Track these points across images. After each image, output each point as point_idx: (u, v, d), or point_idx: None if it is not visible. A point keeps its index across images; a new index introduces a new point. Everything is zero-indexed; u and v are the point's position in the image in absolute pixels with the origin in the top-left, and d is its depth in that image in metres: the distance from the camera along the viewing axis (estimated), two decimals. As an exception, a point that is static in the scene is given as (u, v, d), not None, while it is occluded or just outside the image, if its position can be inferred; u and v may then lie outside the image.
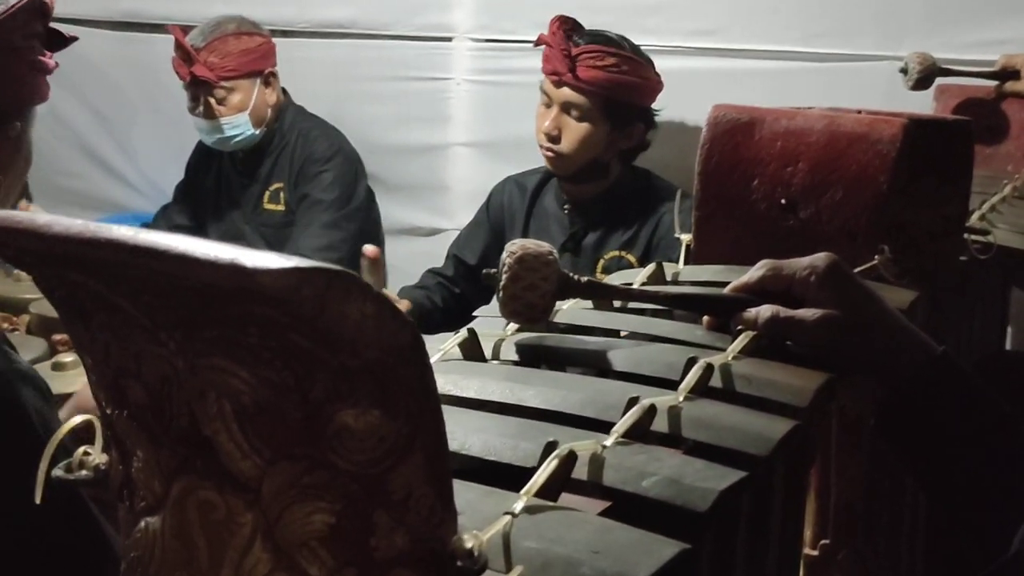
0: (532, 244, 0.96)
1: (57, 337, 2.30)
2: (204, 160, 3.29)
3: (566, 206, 2.76)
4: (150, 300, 0.55)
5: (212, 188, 3.30)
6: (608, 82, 2.58)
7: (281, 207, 3.13)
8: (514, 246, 0.95)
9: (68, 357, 2.06)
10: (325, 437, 0.54)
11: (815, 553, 1.30)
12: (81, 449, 0.66)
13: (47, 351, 2.25)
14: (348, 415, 0.54)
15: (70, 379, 1.96)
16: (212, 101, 3.00)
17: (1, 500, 1.18)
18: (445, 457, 0.56)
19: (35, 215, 0.56)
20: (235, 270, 0.50)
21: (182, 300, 0.53)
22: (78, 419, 0.67)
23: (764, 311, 0.99)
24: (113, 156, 3.82)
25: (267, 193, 3.15)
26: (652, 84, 2.66)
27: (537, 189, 2.83)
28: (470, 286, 2.87)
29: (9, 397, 1.19)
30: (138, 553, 0.61)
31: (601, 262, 2.68)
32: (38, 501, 0.66)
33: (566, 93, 2.61)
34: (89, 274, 0.56)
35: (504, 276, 0.95)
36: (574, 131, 2.62)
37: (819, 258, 1.00)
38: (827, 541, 1.30)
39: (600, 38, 2.64)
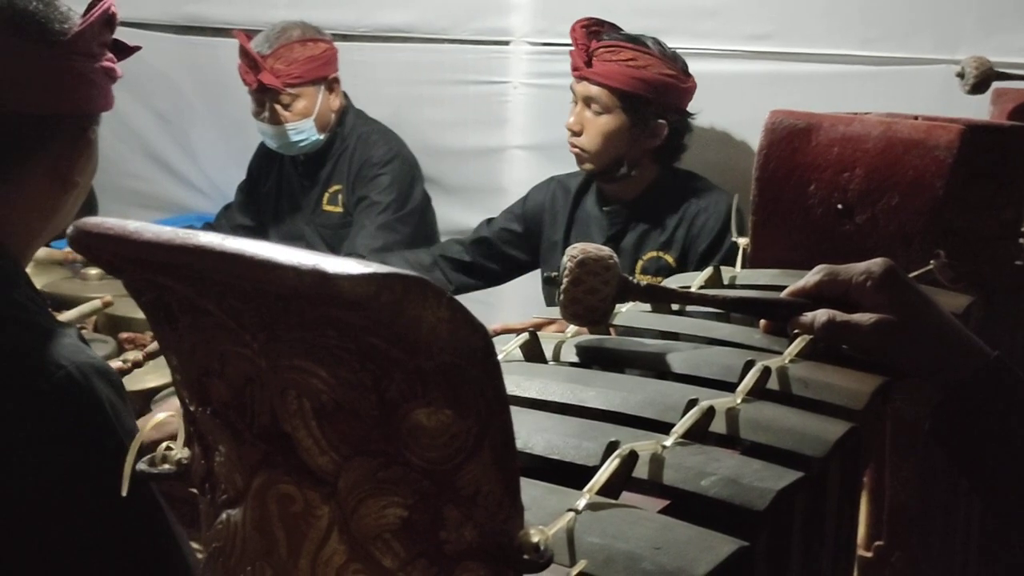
0: (593, 248, 0.98)
1: (124, 335, 2.36)
2: (265, 162, 3.34)
3: (605, 207, 2.80)
4: (235, 303, 0.57)
5: (273, 189, 3.34)
6: (622, 75, 2.62)
7: (339, 209, 3.17)
8: (575, 250, 0.97)
9: (135, 355, 2.10)
10: (399, 435, 0.57)
11: (869, 555, 1.31)
12: (164, 444, 0.69)
13: (115, 349, 2.30)
14: (421, 414, 0.56)
15: (137, 377, 2.00)
16: (278, 107, 3.04)
17: (77, 488, 1.22)
18: (513, 455, 0.59)
19: (126, 222, 0.59)
20: (317, 276, 0.52)
21: (265, 303, 0.56)
22: (161, 415, 0.70)
23: (820, 315, 1.01)
24: (176, 158, 3.88)
25: (326, 195, 3.19)
26: (674, 83, 2.67)
27: (581, 190, 2.86)
28: (484, 270, 2.95)
29: (86, 389, 1.23)
30: (219, 544, 0.64)
31: (640, 263, 2.70)
32: (124, 494, 0.69)
33: (585, 87, 2.67)
34: (177, 278, 0.59)
35: (565, 279, 0.97)
36: (593, 125, 2.66)
37: (875, 263, 1.01)
38: (881, 543, 1.31)
39: (621, 36, 2.68)
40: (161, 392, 2.10)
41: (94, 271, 2.84)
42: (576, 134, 2.69)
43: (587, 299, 0.97)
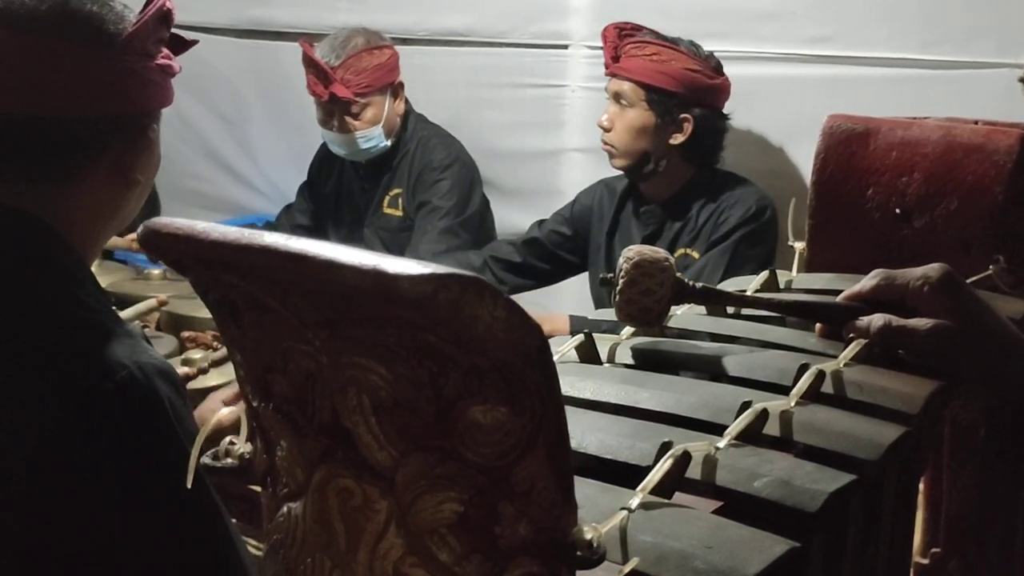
0: (649, 250, 0.98)
1: (186, 334, 2.39)
2: (326, 164, 3.38)
3: (642, 208, 2.82)
4: (298, 301, 0.59)
5: (333, 192, 3.38)
6: (645, 68, 2.67)
7: (399, 212, 3.20)
8: (631, 252, 0.98)
9: (197, 354, 2.14)
10: (456, 431, 0.58)
11: (925, 562, 1.30)
12: (227, 439, 0.71)
13: (176, 347, 2.33)
14: (477, 411, 0.57)
15: (199, 378, 2.04)
16: (348, 117, 3.08)
17: (138, 488, 1.24)
18: (567, 453, 0.60)
19: (194, 222, 0.61)
20: (377, 275, 0.54)
21: (327, 302, 0.58)
22: (226, 411, 0.72)
23: (876, 320, 1.00)
24: (237, 160, 3.93)
25: (387, 198, 3.22)
26: (700, 78, 2.69)
27: (625, 193, 2.89)
28: (535, 270, 2.98)
29: (147, 388, 1.24)
30: (280, 536, 0.65)
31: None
32: (189, 486, 0.70)
33: (614, 83, 2.74)
34: (243, 277, 0.60)
35: (621, 281, 0.97)
36: (621, 120, 2.72)
37: (933, 268, 1.01)
38: (938, 550, 1.30)
39: (651, 34, 2.71)
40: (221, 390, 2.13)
41: (156, 271, 2.88)
42: (607, 131, 2.75)
43: (642, 300, 0.97)
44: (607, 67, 2.74)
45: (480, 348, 0.55)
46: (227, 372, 2.11)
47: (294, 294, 0.59)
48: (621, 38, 2.72)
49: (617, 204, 2.88)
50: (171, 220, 0.62)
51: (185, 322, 2.47)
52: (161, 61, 1.35)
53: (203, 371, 2.01)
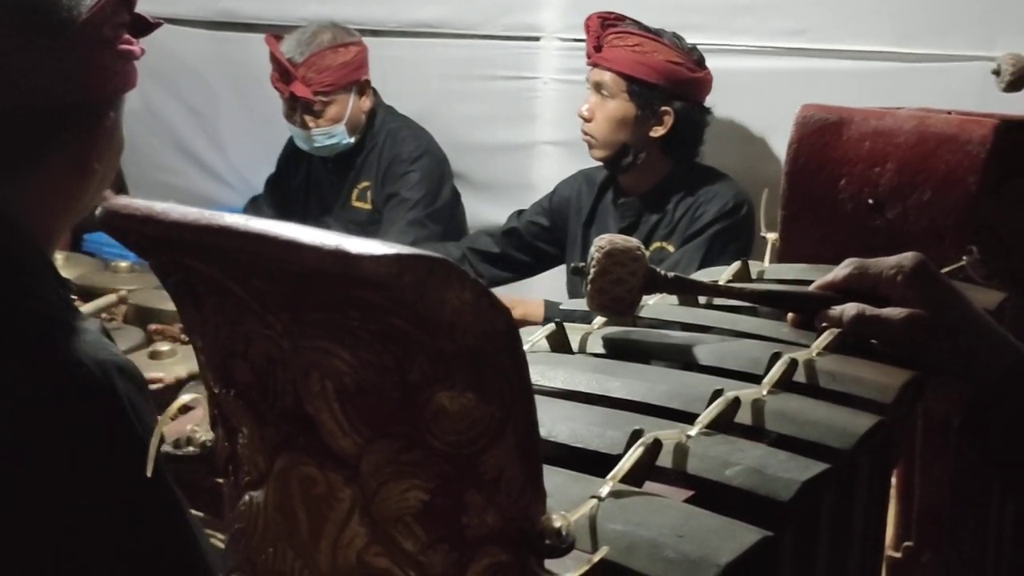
0: (620, 239, 0.97)
1: (153, 327, 2.37)
2: (295, 157, 3.36)
3: (620, 200, 2.81)
4: (259, 284, 0.58)
5: (302, 183, 3.36)
6: (627, 59, 2.66)
7: (368, 205, 3.19)
8: (603, 240, 0.97)
9: (164, 346, 2.12)
10: (422, 418, 0.56)
11: (898, 555, 1.30)
12: (189, 426, 0.69)
13: (143, 340, 2.31)
14: (444, 397, 0.56)
15: (166, 367, 2.02)
16: (308, 116, 3.07)
17: (96, 486, 1.22)
18: (535, 440, 0.58)
19: (153, 203, 0.59)
20: (340, 256, 0.52)
21: (289, 284, 0.56)
22: (186, 397, 0.70)
23: (849, 309, 1.00)
24: (207, 152, 3.91)
25: (355, 191, 3.21)
26: (682, 71, 2.69)
27: (604, 184, 2.89)
28: (512, 260, 2.98)
29: (106, 387, 1.22)
30: (242, 525, 0.64)
31: (647, 255, 2.70)
32: (149, 474, 0.69)
33: (595, 73, 2.73)
34: (203, 259, 0.59)
35: (592, 270, 0.96)
36: (602, 110, 2.71)
37: (906, 257, 1.00)
38: (910, 543, 1.30)
39: (634, 25, 2.71)
40: (191, 382, 2.11)
41: (124, 264, 2.86)
42: (587, 121, 2.74)
43: (614, 289, 0.96)
44: (589, 56, 2.73)
45: (447, 332, 0.54)
46: (195, 364, 2.09)
47: (255, 277, 0.58)
48: (604, 28, 2.71)
49: (596, 195, 2.88)
50: (131, 201, 0.60)
51: (152, 315, 2.44)
52: (121, 47, 1.32)
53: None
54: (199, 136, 3.90)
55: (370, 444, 0.58)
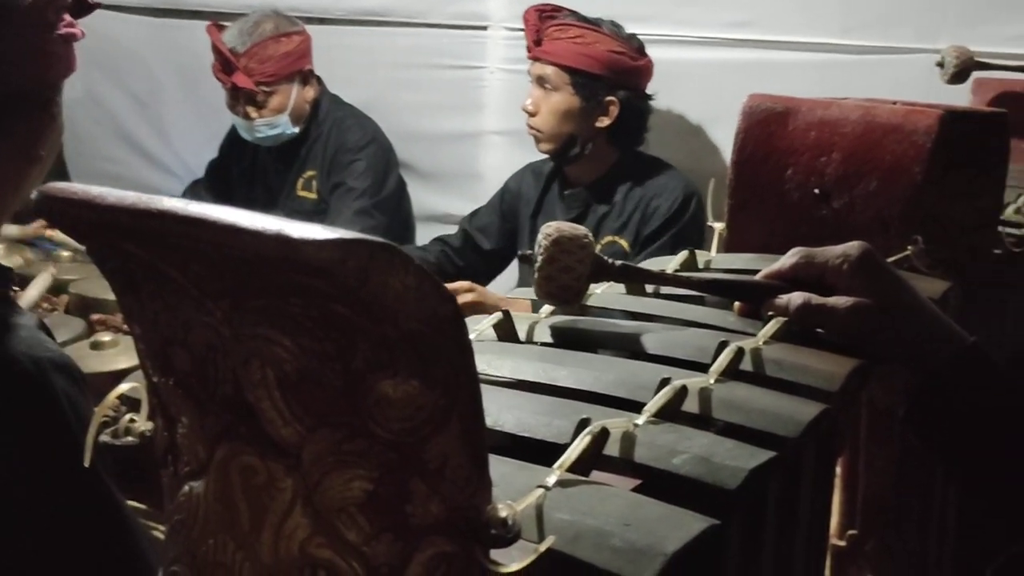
0: (568, 227, 0.97)
1: (95, 317, 2.34)
2: (239, 144, 3.33)
3: (566, 191, 2.81)
4: (198, 270, 0.56)
5: (246, 171, 3.33)
6: (569, 52, 2.67)
7: (313, 195, 3.16)
8: (550, 228, 0.96)
9: (106, 336, 2.09)
10: (365, 406, 0.55)
11: (842, 544, 1.31)
12: (127, 416, 0.68)
13: (85, 331, 2.28)
14: (387, 385, 0.55)
15: (108, 358, 1.99)
16: (251, 107, 3.04)
17: (30, 484, 1.19)
18: (481, 428, 0.58)
19: (90, 187, 0.58)
20: (280, 240, 0.51)
21: (229, 270, 0.55)
22: (125, 386, 0.69)
23: (796, 298, 1.00)
24: (150, 141, 3.86)
25: (300, 180, 3.19)
26: (625, 60, 2.69)
27: (551, 176, 2.89)
28: (471, 262, 2.94)
29: (41, 384, 1.20)
30: (182, 516, 0.63)
31: (598, 247, 2.70)
32: (87, 464, 0.67)
33: (537, 67, 2.73)
34: (141, 244, 0.58)
35: (540, 258, 0.96)
36: (546, 104, 2.71)
37: (852, 247, 1.00)
38: (855, 532, 1.31)
39: (573, 16, 2.72)
40: (132, 374, 2.08)
41: (66, 254, 2.82)
42: (532, 115, 2.74)
43: (561, 277, 0.96)
44: (529, 51, 2.73)
45: (390, 318, 0.53)
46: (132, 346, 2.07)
47: (194, 262, 0.56)
48: (542, 20, 2.71)
49: (543, 187, 2.89)
50: (68, 185, 0.59)
51: (94, 304, 2.41)
52: (64, 30, 1.29)
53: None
54: (143, 125, 3.85)
55: (312, 433, 0.57)
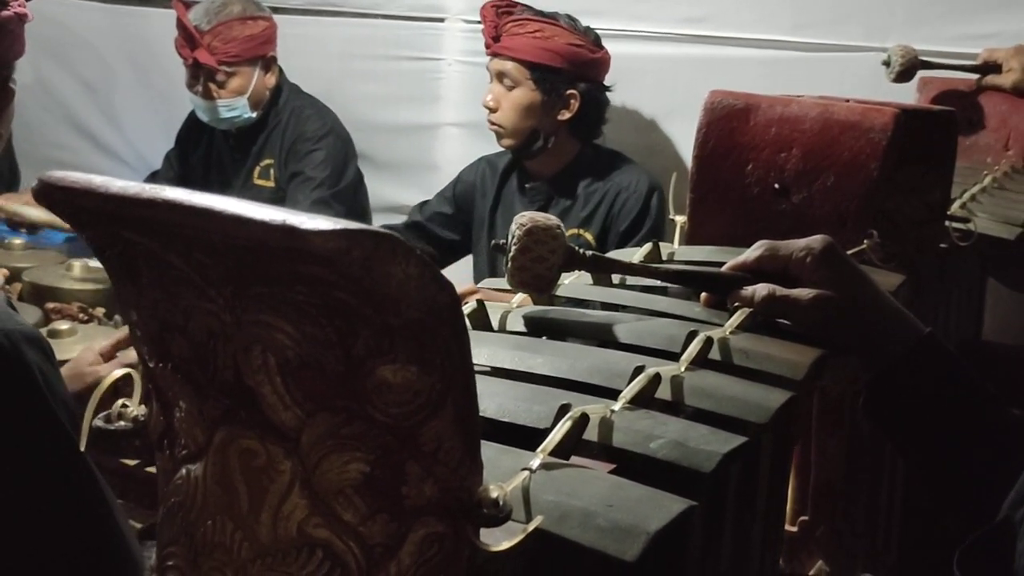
0: (541, 217, 0.99)
1: (50, 305, 2.32)
2: (196, 131, 3.30)
3: (527, 184, 2.83)
4: (201, 258, 0.58)
5: (202, 160, 3.31)
6: (529, 47, 2.68)
7: (271, 183, 3.16)
8: (524, 218, 0.98)
9: (63, 325, 2.08)
10: (364, 391, 0.57)
11: (794, 529, 1.34)
12: (120, 401, 0.69)
13: (41, 319, 2.26)
14: (387, 370, 0.57)
15: (65, 346, 1.98)
16: (212, 85, 3.03)
17: (6, 456, 1.20)
18: (474, 413, 0.60)
19: (91, 176, 0.59)
20: (288, 231, 0.53)
21: (233, 258, 0.57)
22: (119, 372, 0.70)
23: (760, 289, 1.03)
24: (102, 128, 3.83)
25: (257, 168, 3.17)
26: (584, 52, 2.71)
27: (508, 169, 2.90)
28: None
29: (15, 357, 1.20)
30: (179, 498, 0.64)
31: None
32: (82, 449, 0.69)
33: (497, 63, 2.73)
34: (143, 233, 0.59)
35: (513, 247, 0.98)
36: (507, 99, 2.72)
37: (815, 240, 1.03)
38: (806, 518, 1.34)
39: (529, 11, 2.73)
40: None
41: (19, 241, 2.79)
42: (493, 111, 2.74)
43: (534, 267, 0.98)
44: (488, 47, 2.73)
45: (392, 306, 0.55)
46: (92, 335, 2.07)
47: (197, 250, 0.58)
48: (499, 16, 2.72)
49: (499, 180, 2.89)
50: (68, 173, 0.60)
51: (49, 293, 2.39)
52: (17, 9, 1.30)
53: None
54: (94, 112, 3.82)
55: (311, 417, 0.59)
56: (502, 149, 2.84)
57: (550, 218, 0.99)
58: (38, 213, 2.70)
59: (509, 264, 0.99)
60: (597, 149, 2.81)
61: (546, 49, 2.66)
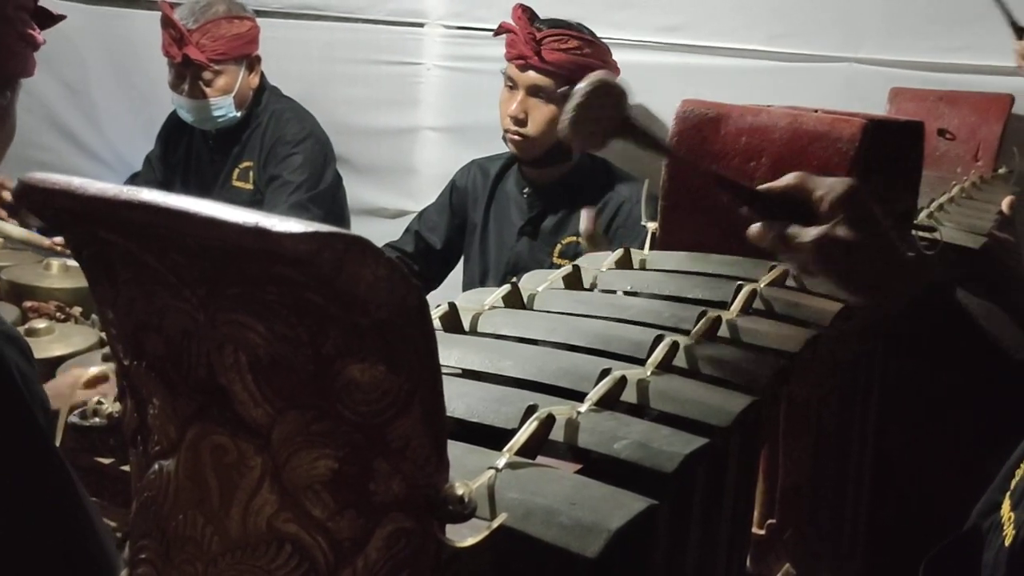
0: (610, 78, 1.02)
1: (28, 304, 2.32)
2: (176, 133, 3.31)
3: (525, 190, 2.83)
4: (176, 258, 0.59)
5: (182, 161, 3.31)
6: (572, 64, 2.65)
7: (249, 186, 3.16)
8: (594, 76, 1.01)
9: (40, 324, 2.08)
10: (333, 389, 0.59)
11: (762, 532, 1.35)
12: (95, 398, 0.71)
13: (19, 317, 2.26)
14: (355, 369, 0.58)
15: (42, 345, 1.98)
16: (199, 83, 3.03)
17: None
18: (441, 411, 0.61)
19: (71, 178, 0.61)
20: (260, 233, 0.54)
21: (207, 259, 0.58)
22: (94, 369, 0.71)
23: (771, 228, 1.05)
24: (82, 129, 3.82)
25: (236, 171, 3.18)
26: (612, 69, 2.70)
27: (500, 173, 2.89)
28: (427, 265, 2.94)
29: None
30: (151, 493, 0.65)
31: (559, 247, 2.75)
32: (57, 444, 0.70)
33: (532, 76, 2.68)
34: (120, 233, 0.60)
35: (575, 101, 1.00)
36: (541, 114, 2.68)
37: (840, 181, 1.06)
38: (773, 521, 1.35)
39: (561, 23, 2.72)
40: (67, 361, 2.08)
41: (-3, 240, 2.79)
42: (520, 122, 2.69)
43: (589, 125, 1.00)
44: (524, 58, 2.67)
45: (361, 307, 0.56)
46: (69, 334, 2.07)
47: (173, 251, 0.59)
48: (533, 26, 2.68)
49: (492, 185, 2.88)
50: (48, 175, 0.62)
51: (27, 291, 2.39)
52: (24, 30, 1.31)
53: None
54: (74, 113, 3.81)
55: (282, 414, 0.60)
56: (491, 154, 2.83)
57: (618, 83, 1.01)
58: (17, 230, 2.69)
59: (566, 114, 1.00)
60: (592, 158, 2.81)
61: (585, 67, 2.63)
